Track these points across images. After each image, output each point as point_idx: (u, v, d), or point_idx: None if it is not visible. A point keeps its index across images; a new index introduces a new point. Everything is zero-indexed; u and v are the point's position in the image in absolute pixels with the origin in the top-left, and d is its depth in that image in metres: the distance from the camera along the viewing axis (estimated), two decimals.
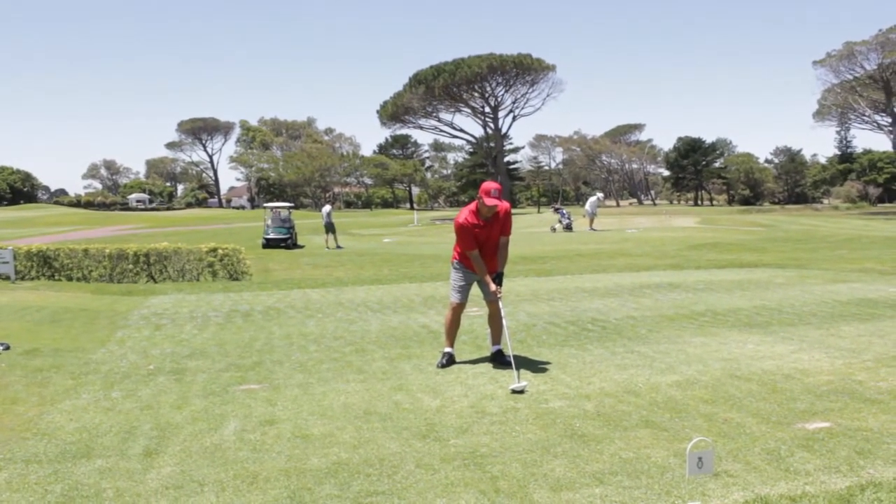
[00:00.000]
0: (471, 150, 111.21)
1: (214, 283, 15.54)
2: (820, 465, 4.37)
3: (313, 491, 4.12)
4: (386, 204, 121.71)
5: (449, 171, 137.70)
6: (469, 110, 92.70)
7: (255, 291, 13.59)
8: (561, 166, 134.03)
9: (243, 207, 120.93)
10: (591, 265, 18.38)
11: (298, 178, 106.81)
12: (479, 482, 4.22)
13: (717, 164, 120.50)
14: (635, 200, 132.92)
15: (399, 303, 11.66)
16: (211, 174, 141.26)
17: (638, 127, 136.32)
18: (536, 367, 7.05)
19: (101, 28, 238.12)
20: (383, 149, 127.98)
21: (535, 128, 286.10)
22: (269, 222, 29.61)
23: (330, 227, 27.82)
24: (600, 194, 41.58)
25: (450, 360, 7.20)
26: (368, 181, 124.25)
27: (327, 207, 28.86)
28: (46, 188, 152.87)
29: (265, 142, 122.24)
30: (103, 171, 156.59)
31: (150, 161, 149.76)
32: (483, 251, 7.03)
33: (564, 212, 37.51)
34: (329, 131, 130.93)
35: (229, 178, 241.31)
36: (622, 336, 8.56)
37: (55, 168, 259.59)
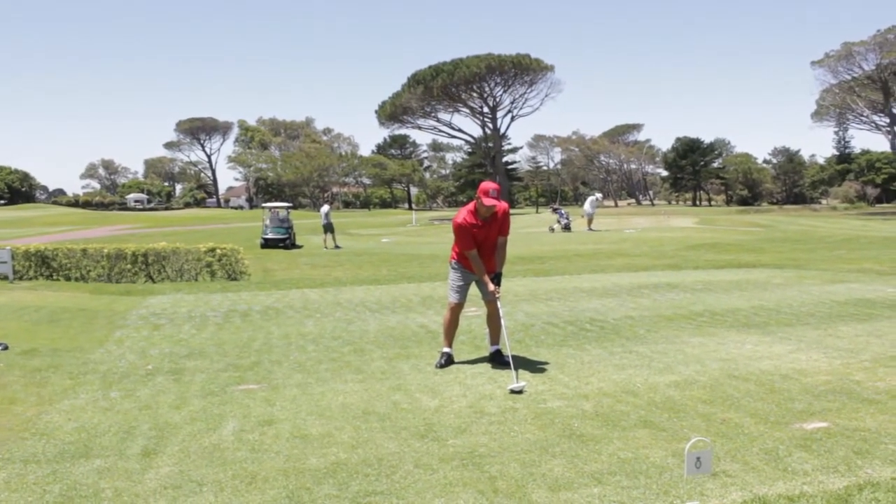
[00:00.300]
0: (469, 150, 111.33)
1: (213, 283, 15.53)
2: (818, 465, 4.37)
3: (312, 491, 4.12)
4: (384, 204, 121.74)
5: (447, 172, 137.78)
6: (467, 110, 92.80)
7: (254, 291, 13.59)
8: (559, 166, 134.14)
9: (241, 207, 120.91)
10: (589, 265, 18.38)
11: (297, 178, 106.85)
12: (477, 482, 4.22)
13: (715, 165, 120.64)
14: (633, 201, 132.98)
15: (397, 303, 11.67)
16: (209, 174, 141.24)
17: (636, 127, 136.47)
18: (535, 367, 7.06)
19: (99, 28, 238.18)
20: (382, 149, 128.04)
21: (533, 128, 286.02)
22: (268, 222, 29.59)
23: (328, 227, 27.82)
24: (599, 194, 41.58)
25: (448, 360, 7.20)
26: (367, 181, 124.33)
27: (326, 207, 28.86)
28: (44, 188, 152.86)
29: (263, 142, 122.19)
30: (101, 171, 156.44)
31: (148, 161, 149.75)
32: (481, 251, 7.03)
33: (563, 212, 37.53)
34: (327, 131, 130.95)
35: (227, 178, 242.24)
36: (620, 336, 8.57)
37: (53, 168, 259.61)
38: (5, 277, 15.34)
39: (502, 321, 7.13)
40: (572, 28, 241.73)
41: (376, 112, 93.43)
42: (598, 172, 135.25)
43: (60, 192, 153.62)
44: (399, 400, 5.96)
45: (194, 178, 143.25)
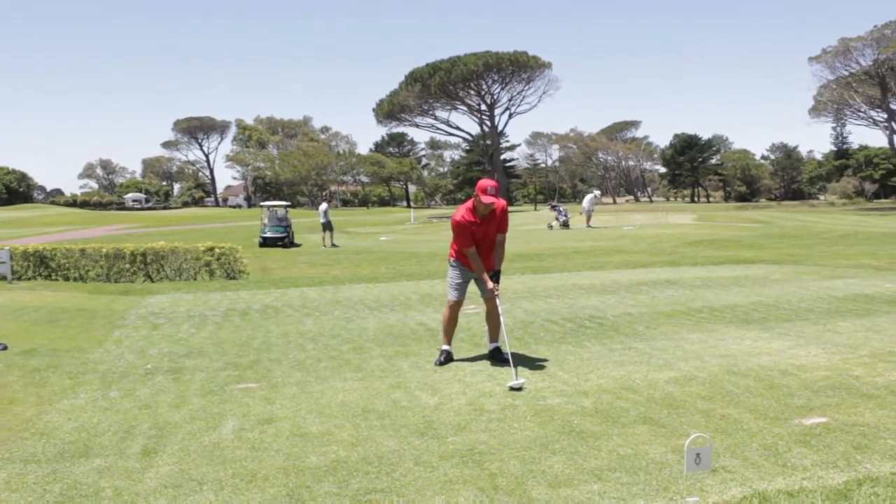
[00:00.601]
0: (467, 147, 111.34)
1: (211, 282, 15.53)
2: (817, 461, 4.38)
3: (312, 489, 4.13)
4: (382, 202, 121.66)
5: (445, 169, 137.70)
6: (465, 108, 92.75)
7: (253, 290, 13.59)
8: (557, 164, 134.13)
9: (240, 206, 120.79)
10: (587, 262, 18.40)
11: (295, 177, 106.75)
12: (477, 479, 4.22)
13: (713, 161, 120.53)
14: (632, 197, 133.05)
15: (396, 301, 11.67)
16: (207, 173, 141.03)
17: (634, 124, 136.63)
18: (534, 364, 7.06)
19: (97, 28, 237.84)
20: (379, 147, 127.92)
21: (531, 125, 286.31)
22: (266, 221, 29.60)
23: (327, 226, 27.80)
24: (597, 191, 41.63)
25: (448, 358, 7.21)
26: (365, 179, 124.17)
27: (324, 206, 28.81)
28: (42, 188, 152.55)
29: (261, 140, 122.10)
30: (99, 171, 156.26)
31: (146, 160, 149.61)
32: (480, 249, 7.03)
33: (561, 209, 37.55)
34: (325, 130, 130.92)
35: (226, 176, 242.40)
36: (619, 333, 8.57)
37: (51, 168, 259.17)
38: (4, 278, 15.33)
39: (501, 318, 7.13)
40: (569, 25, 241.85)
41: (374, 110, 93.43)
42: (597, 169, 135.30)
43: (58, 192, 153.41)
44: (399, 398, 5.97)
45: (192, 177, 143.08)
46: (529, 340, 8.24)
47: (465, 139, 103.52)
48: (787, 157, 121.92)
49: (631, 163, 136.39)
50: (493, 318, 7.26)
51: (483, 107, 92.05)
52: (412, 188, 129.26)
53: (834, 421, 5.11)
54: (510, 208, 7.48)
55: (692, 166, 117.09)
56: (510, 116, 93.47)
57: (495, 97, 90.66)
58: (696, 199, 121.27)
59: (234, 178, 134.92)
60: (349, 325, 9.57)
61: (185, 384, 6.55)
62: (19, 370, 7.07)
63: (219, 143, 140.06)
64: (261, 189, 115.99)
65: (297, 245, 28.62)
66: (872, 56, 75.64)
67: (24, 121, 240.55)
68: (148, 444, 4.92)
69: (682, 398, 5.78)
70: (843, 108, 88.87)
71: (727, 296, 11.46)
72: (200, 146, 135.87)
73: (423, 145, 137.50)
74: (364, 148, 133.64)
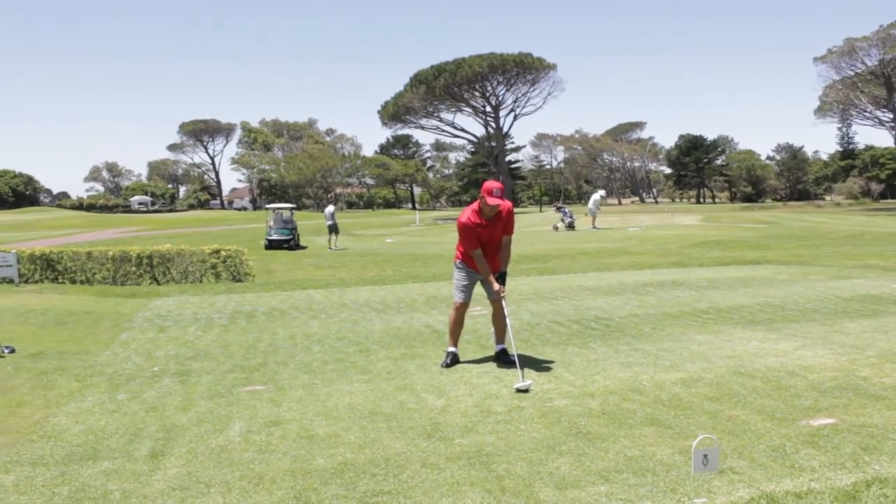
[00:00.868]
0: (472, 149, 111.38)
1: (218, 285, 15.56)
2: (825, 462, 4.37)
3: (319, 491, 4.13)
4: (388, 204, 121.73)
5: (450, 171, 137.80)
6: (470, 110, 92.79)
7: (259, 293, 13.61)
8: (562, 165, 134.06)
9: (245, 209, 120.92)
10: (593, 264, 18.37)
11: (300, 179, 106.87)
12: (484, 481, 4.22)
13: (718, 162, 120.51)
14: (637, 199, 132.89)
15: (402, 303, 11.67)
16: (213, 176, 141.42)
17: (639, 125, 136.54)
18: (540, 365, 7.06)
19: (102, 30, 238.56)
20: (384, 149, 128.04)
21: (536, 127, 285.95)
22: (272, 223, 29.62)
23: (333, 228, 27.78)
24: (602, 191, 41.54)
25: (454, 360, 7.21)
26: (370, 181, 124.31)
27: (331, 208, 28.72)
28: (49, 191, 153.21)
29: (266, 143, 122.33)
30: (105, 174, 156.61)
31: (151, 163, 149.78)
32: (486, 251, 7.03)
33: (566, 210, 37.51)
34: (330, 132, 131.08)
35: (231, 179, 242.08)
36: (626, 334, 8.56)
37: (57, 171, 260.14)
38: (11, 281, 15.38)
39: (507, 320, 7.13)
40: (574, 27, 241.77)
41: (379, 112, 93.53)
42: (602, 171, 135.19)
43: (64, 195, 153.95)
44: (405, 400, 5.97)
45: (198, 179, 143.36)
46: (536, 342, 8.23)
47: (470, 141, 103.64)
48: (793, 158, 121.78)
49: (636, 164, 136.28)
50: (499, 320, 7.26)
51: (488, 108, 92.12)
52: (417, 190, 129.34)
53: (842, 422, 5.10)
54: (515, 210, 7.47)
55: (697, 167, 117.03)
56: (515, 118, 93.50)
57: (500, 99, 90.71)
58: (701, 199, 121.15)
59: (240, 181, 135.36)
60: (355, 327, 9.58)
61: (192, 387, 6.56)
62: (27, 373, 7.09)
63: (224, 146, 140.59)
64: (266, 191, 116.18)
65: (303, 247, 28.63)
66: (878, 56, 75.47)
67: (30, 124, 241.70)
68: (155, 446, 4.93)
69: (689, 399, 5.77)
70: (848, 108, 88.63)
71: (733, 297, 11.44)
72: (206, 149, 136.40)
73: (428, 147, 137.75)
74: (369, 150, 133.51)
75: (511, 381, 6.40)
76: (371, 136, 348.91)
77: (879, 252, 20.47)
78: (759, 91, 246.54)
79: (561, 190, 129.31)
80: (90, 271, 16.46)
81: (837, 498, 3.84)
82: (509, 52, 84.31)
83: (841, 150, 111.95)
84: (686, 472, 4.24)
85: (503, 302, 7.09)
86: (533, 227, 39.47)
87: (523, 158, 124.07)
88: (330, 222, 27.81)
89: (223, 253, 17.04)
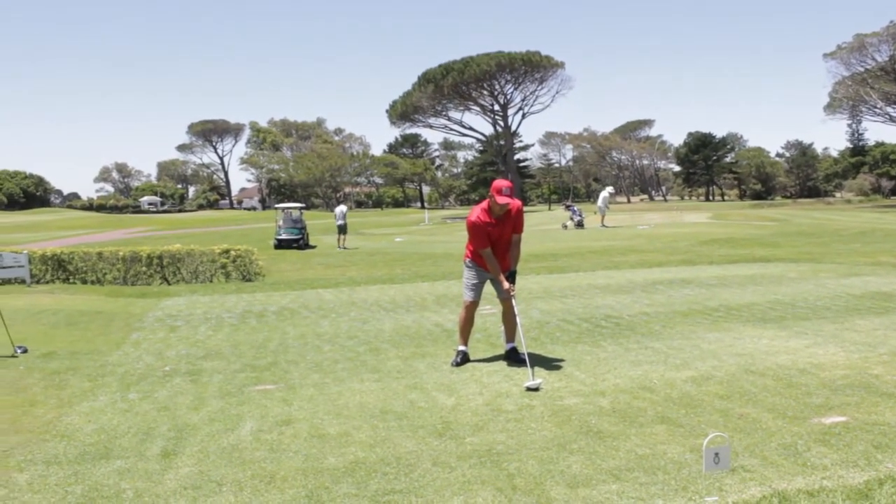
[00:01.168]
0: (481, 148, 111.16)
1: (227, 285, 15.61)
2: (837, 460, 4.36)
3: (331, 490, 4.14)
4: (397, 203, 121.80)
5: (459, 170, 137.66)
6: (478, 108, 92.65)
7: (269, 292, 13.65)
8: (571, 163, 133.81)
9: (254, 208, 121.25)
10: (603, 262, 18.35)
11: (309, 179, 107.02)
12: (495, 480, 4.23)
13: (727, 159, 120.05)
14: (646, 197, 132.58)
15: (412, 302, 11.69)
16: (222, 176, 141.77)
17: (648, 123, 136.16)
18: (551, 364, 7.06)
19: (111, 31, 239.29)
20: (393, 148, 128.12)
21: (544, 125, 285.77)
22: (281, 223, 29.67)
23: (343, 228, 27.79)
24: (610, 188, 41.44)
25: (464, 359, 7.22)
26: (379, 181, 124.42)
27: (343, 208, 28.68)
28: (59, 192, 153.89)
29: (275, 143, 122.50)
30: (115, 175, 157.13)
31: (161, 163, 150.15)
32: (496, 249, 7.03)
33: (575, 209, 37.44)
34: (339, 131, 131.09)
35: (240, 179, 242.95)
36: (636, 332, 8.55)
37: (67, 172, 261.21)
38: (23, 281, 15.47)
39: (517, 319, 7.13)
40: (582, 25, 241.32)
41: (387, 111, 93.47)
42: (611, 169, 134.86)
43: (75, 195, 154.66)
44: (416, 398, 5.98)
45: (207, 180, 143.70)
46: (546, 340, 8.23)
47: (478, 139, 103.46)
48: (803, 155, 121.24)
49: (645, 162, 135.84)
50: (509, 319, 7.26)
51: (496, 107, 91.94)
52: (426, 189, 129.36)
53: (854, 420, 5.08)
54: (524, 208, 7.47)
55: (707, 165, 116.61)
56: (523, 116, 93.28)
57: (508, 97, 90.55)
58: (710, 197, 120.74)
59: (249, 181, 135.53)
60: (365, 326, 9.59)
61: (203, 386, 6.59)
62: (39, 373, 7.14)
63: (233, 146, 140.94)
64: (275, 191, 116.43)
65: (312, 247, 28.67)
66: (889, 52, 74.93)
67: (41, 125, 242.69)
68: (167, 445, 4.95)
69: (699, 397, 5.76)
70: (858, 104, 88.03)
71: (744, 294, 11.41)
72: (215, 149, 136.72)
73: (436, 146, 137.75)
74: (378, 149, 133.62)
75: (521, 379, 6.40)
76: (379, 136, 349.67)
77: (890, 249, 20.38)
78: (769, 88, 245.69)
79: (570, 188, 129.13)
80: (101, 271, 16.55)
81: (850, 496, 3.82)
82: (517, 50, 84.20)
83: (851, 146, 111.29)
84: (697, 471, 4.23)
85: (513, 301, 7.09)
86: (542, 225, 39.42)
87: (532, 157, 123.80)
88: (340, 222, 27.83)
89: (233, 253, 17.10)
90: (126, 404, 6.02)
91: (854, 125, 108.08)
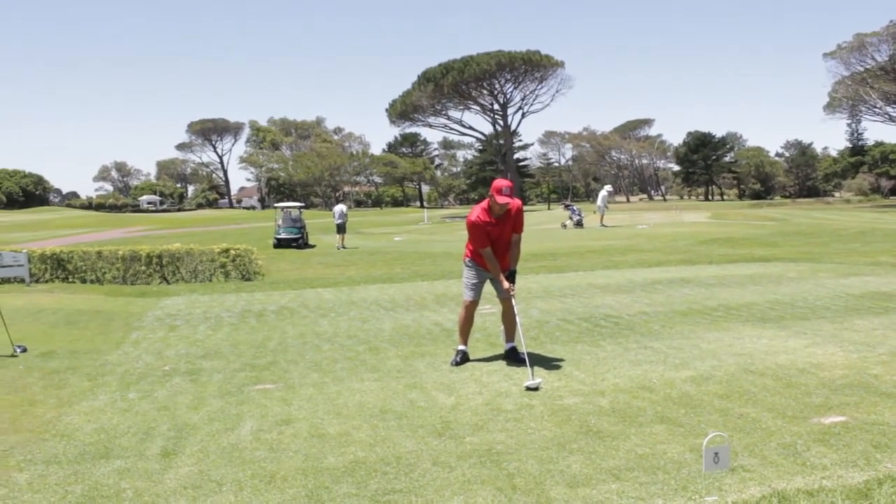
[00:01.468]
0: (480, 147, 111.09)
1: (227, 284, 15.61)
2: (836, 460, 4.36)
3: (331, 490, 4.15)
4: (396, 202, 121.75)
5: (458, 169, 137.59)
6: (478, 108, 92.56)
7: (268, 291, 13.65)
8: (570, 163, 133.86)
9: (254, 208, 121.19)
10: (602, 261, 18.35)
11: (308, 178, 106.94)
12: (495, 479, 4.23)
13: (727, 159, 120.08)
14: (645, 196, 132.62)
15: (411, 301, 11.68)
16: (221, 175, 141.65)
17: (647, 122, 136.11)
18: (550, 364, 7.06)
19: (111, 30, 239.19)
20: (392, 147, 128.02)
21: (544, 124, 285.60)
22: (280, 222, 29.67)
23: (342, 227, 27.78)
24: (609, 187, 41.48)
25: (464, 358, 7.22)
26: (378, 180, 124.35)
27: (343, 207, 28.67)
28: (58, 191, 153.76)
29: (275, 142, 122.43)
30: (114, 174, 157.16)
31: (160, 162, 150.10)
32: (495, 249, 7.04)
33: (575, 208, 37.44)
34: (338, 130, 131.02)
35: (239, 178, 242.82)
36: (635, 332, 8.56)
37: (66, 171, 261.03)
38: (22, 280, 15.47)
39: (517, 318, 7.14)
40: (582, 24, 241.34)
41: (387, 110, 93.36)
42: (610, 168, 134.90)
43: (74, 194, 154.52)
44: (415, 398, 5.98)
45: (206, 179, 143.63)
46: (545, 340, 8.23)
47: (478, 139, 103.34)
48: (802, 155, 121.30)
49: (644, 161, 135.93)
50: (508, 318, 7.26)
51: (496, 106, 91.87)
52: (425, 188, 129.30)
53: (853, 420, 5.08)
54: (524, 208, 7.48)
55: (706, 164, 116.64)
56: (523, 116, 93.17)
57: (508, 96, 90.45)
58: (710, 197, 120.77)
59: (248, 180, 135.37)
60: (365, 325, 9.59)
61: (203, 385, 6.59)
62: (39, 372, 7.14)
63: (232, 145, 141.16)
64: (274, 190, 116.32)
65: (312, 246, 28.67)
66: (888, 51, 74.88)
67: (40, 124, 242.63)
68: (167, 445, 4.95)
69: (699, 397, 5.76)
70: (858, 104, 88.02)
71: (743, 294, 11.41)
72: (214, 148, 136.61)
73: (435, 145, 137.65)
74: (377, 148, 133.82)
75: (521, 379, 6.41)
76: (379, 135, 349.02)
77: (890, 249, 20.39)
78: (768, 88, 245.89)
79: (569, 187, 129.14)
80: (100, 271, 16.54)
81: (849, 496, 3.83)
82: (517, 49, 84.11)
83: (850, 146, 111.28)
84: (697, 470, 4.24)
85: (513, 300, 7.10)
86: (541, 224, 39.42)
87: (531, 156, 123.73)
88: (339, 221, 27.81)
89: (232, 252, 17.10)
90: (126, 404, 6.02)
91: (853, 125, 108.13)
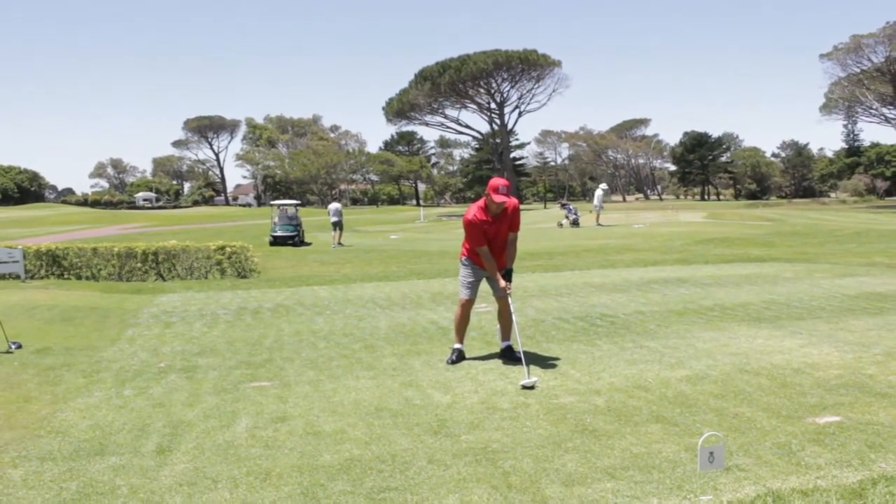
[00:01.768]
0: (477, 146, 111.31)
1: (223, 281, 15.59)
2: (831, 460, 4.37)
3: (326, 487, 4.15)
4: (392, 201, 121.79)
5: (455, 168, 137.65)
6: (475, 106, 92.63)
7: (264, 289, 13.63)
8: (567, 162, 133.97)
9: (250, 205, 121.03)
10: (598, 260, 18.38)
11: (304, 176, 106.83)
12: (490, 477, 4.23)
13: (723, 159, 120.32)
14: (641, 196, 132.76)
15: (407, 299, 11.68)
16: (217, 172, 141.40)
17: (644, 122, 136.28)
18: (546, 362, 7.07)
19: (107, 27, 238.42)
20: (389, 145, 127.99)
21: (540, 123, 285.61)
22: (276, 220, 29.67)
23: (338, 225, 27.76)
24: (604, 185, 41.54)
25: (460, 357, 7.22)
26: (374, 178, 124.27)
27: (338, 205, 28.63)
28: (54, 187, 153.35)
29: (271, 139, 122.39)
30: (110, 170, 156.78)
31: (156, 159, 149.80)
32: (492, 247, 7.04)
33: (571, 207, 37.49)
34: (335, 128, 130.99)
35: (235, 175, 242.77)
36: (631, 331, 8.57)
37: (62, 167, 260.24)
38: (17, 277, 15.43)
39: (513, 317, 7.14)
40: (579, 23, 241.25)
41: (383, 109, 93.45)
42: (606, 167, 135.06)
43: (69, 191, 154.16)
44: (411, 396, 5.98)
45: (202, 176, 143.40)
46: (541, 339, 8.24)
47: (474, 137, 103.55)
48: (798, 155, 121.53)
49: (641, 161, 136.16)
50: (505, 317, 7.27)
51: (493, 105, 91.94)
52: (422, 187, 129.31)
53: (848, 419, 5.10)
54: (520, 207, 7.49)
55: (702, 164, 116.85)
56: (520, 115, 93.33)
57: (505, 95, 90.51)
58: (706, 196, 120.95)
59: (244, 177, 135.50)
60: (361, 323, 9.59)
61: (199, 382, 6.58)
62: (34, 368, 7.12)
63: (229, 142, 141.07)
64: (271, 188, 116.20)
65: (308, 244, 28.66)
66: (884, 53, 75.01)
67: (36, 120, 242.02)
68: (162, 442, 4.95)
69: (694, 397, 5.77)
70: (854, 105, 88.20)
71: (739, 294, 11.43)
72: (210, 145, 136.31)
73: (432, 144, 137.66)
74: (374, 146, 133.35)
75: (517, 377, 6.41)
76: (376, 133, 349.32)
77: (885, 249, 20.44)
78: (765, 88, 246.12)
79: (566, 187, 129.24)
80: (96, 267, 16.51)
81: (844, 496, 3.84)
82: (514, 48, 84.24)
83: (846, 147, 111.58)
84: (692, 470, 4.24)
85: (509, 299, 7.10)
86: (538, 223, 39.44)
87: (528, 155, 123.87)
88: (335, 219, 27.81)
89: (228, 249, 17.08)
90: (121, 400, 6.01)
91: (849, 126, 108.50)
